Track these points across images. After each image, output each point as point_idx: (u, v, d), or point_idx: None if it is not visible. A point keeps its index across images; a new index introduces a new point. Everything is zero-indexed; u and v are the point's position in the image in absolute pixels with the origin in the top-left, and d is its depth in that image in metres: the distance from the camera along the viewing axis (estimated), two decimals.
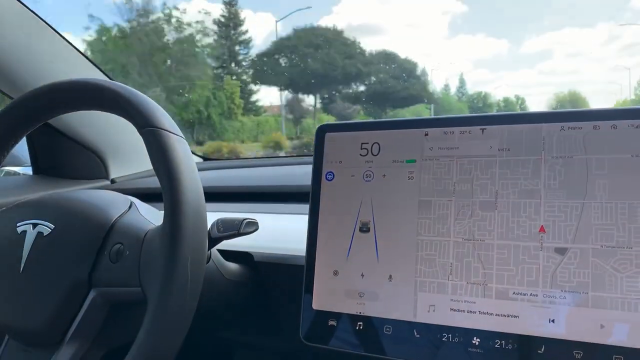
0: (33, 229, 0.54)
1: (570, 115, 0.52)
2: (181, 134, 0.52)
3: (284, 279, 0.71)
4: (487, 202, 0.54)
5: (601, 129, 0.50)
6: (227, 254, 0.70)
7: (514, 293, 0.51)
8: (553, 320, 0.49)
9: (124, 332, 0.57)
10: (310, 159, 0.64)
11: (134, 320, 0.53)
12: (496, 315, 0.51)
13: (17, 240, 0.54)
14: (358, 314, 0.57)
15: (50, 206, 0.55)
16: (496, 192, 0.53)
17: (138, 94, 0.52)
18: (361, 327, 0.57)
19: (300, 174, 0.94)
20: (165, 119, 0.51)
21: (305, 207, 0.64)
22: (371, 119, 0.64)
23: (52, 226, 0.53)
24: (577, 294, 0.49)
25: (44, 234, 0.53)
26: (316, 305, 0.60)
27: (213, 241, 0.57)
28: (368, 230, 0.59)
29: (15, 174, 1.10)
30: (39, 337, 0.52)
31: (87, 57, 0.93)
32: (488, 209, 0.53)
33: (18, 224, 0.55)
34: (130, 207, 0.56)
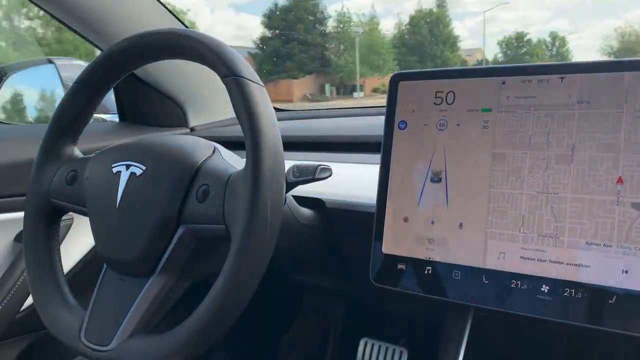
0: (127, 170, 0.58)
1: None
2: (261, 83, 0.54)
3: (354, 225, 0.73)
4: (563, 155, 0.53)
5: None
6: (301, 200, 0.73)
7: (586, 243, 0.51)
8: (626, 272, 0.49)
9: (207, 267, 0.62)
10: (382, 110, 0.65)
11: (217, 256, 0.58)
12: (567, 264, 0.51)
13: (112, 180, 0.58)
14: (427, 259, 0.59)
15: (142, 149, 0.59)
16: (573, 145, 0.52)
17: (221, 44, 0.54)
18: (430, 272, 0.59)
19: (372, 124, 0.95)
20: (246, 68, 0.53)
21: (376, 157, 0.65)
22: (447, 68, 0.63)
23: (144, 167, 0.57)
24: None
25: (137, 174, 0.57)
26: (386, 249, 0.62)
27: (289, 186, 0.60)
28: (439, 180, 0.59)
29: (103, 121, 1.18)
30: (133, 267, 0.57)
31: (168, 9, 0.96)
32: (564, 162, 0.53)
33: (113, 165, 0.59)
34: (214, 152, 0.59)
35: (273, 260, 0.52)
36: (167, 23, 0.97)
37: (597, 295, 0.50)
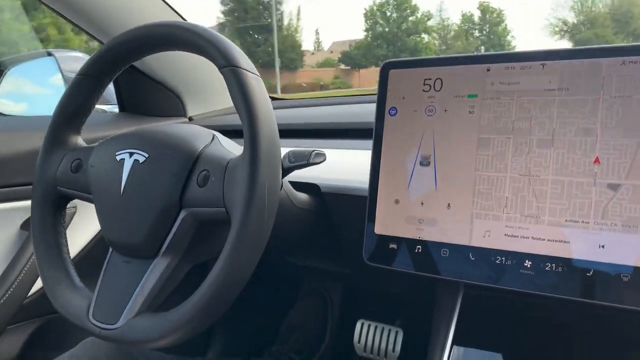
0: (130, 157, 0.61)
1: (631, 50, 0.52)
2: (257, 73, 0.56)
3: (348, 208, 0.76)
4: (544, 139, 0.56)
5: None
6: (297, 185, 0.76)
7: (566, 220, 0.54)
8: (603, 246, 0.52)
9: (209, 249, 0.64)
10: (373, 97, 0.67)
11: (218, 239, 0.61)
12: (548, 240, 0.55)
13: (117, 167, 0.61)
14: (417, 238, 0.62)
15: (144, 137, 0.62)
16: (553, 130, 0.55)
17: (219, 36, 0.57)
18: (420, 250, 0.62)
19: (363, 111, 0.97)
20: (243, 59, 0.56)
21: (368, 143, 0.68)
22: (434, 56, 0.66)
23: (147, 155, 0.60)
24: (627, 227, 0.51)
25: (140, 162, 0.60)
26: (378, 230, 0.65)
27: (285, 171, 0.63)
28: (428, 164, 0.62)
29: (103, 111, 1.20)
30: (137, 250, 0.60)
31: (167, 3, 0.99)
32: (545, 146, 0.56)
33: (117, 153, 0.62)
34: (213, 139, 0.62)
35: (271, 243, 0.55)
36: (166, 16, 0.99)
37: (576, 269, 0.53)
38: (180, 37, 0.59)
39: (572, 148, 0.54)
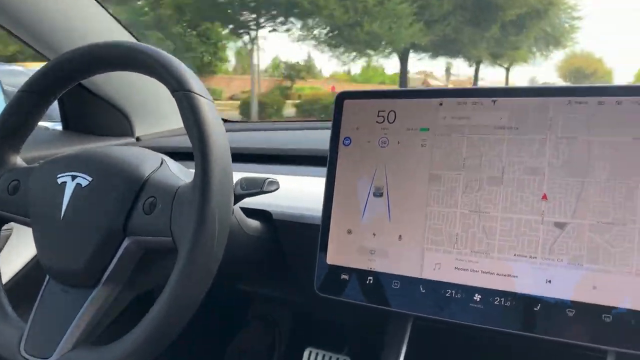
0: (72, 181, 0.58)
1: (576, 90, 0.54)
2: (210, 98, 0.55)
3: (300, 236, 0.75)
4: (494, 177, 0.57)
5: (606, 104, 0.53)
6: (248, 211, 0.75)
7: (514, 255, 0.55)
8: (549, 281, 0.53)
9: (153, 278, 0.62)
10: (329, 124, 0.68)
11: (163, 268, 0.59)
12: (497, 274, 0.55)
13: (57, 191, 0.58)
14: (369, 269, 0.62)
15: (88, 160, 0.59)
16: (503, 168, 0.57)
17: (172, 58, 0.55)
18: (371, 282, 0.62)
19: (319, 138, 0.97)
20: (196, 83, 0.54)
21: (323, 171, 0.68)
22: (389, 88, 0.67)
23: (90, 178, 0.57)
24: (572, 264, 0.53)
25: (83, 185, 0.57)
26: (330, 260, 0.64)
27: (237, 198, 0.62)
28: (381, 195, 0.62)
29: (46, 129, 1.15)
30: (76, 278, 0.57)
31: (118, 20, 0.96)
32: (494, 183, 0.57)
33: (58, 176, 0.59)
34: (161, 164, 0.60)
35: (220, 270, 0.53)
36: (117, 35, 0.97)
37: (524, 303, 0.54)
38: (131, 58, 0.57)
39: (520, 186, 0.56)
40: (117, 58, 0.58)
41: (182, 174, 0.60)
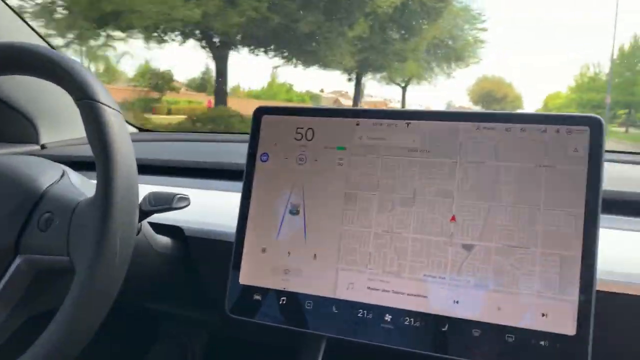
0: None
1: (485, 117, 0.57)
2: (117, 108, 0.52)
3: (213, 253, 0.73)
4: (406, 198, 0.58)
5: (512, 131, 0.56)
6: (158, 227, 0.71)
7: (424, 275, 0.56)
8: (457, 302, 0.54)
9: (46, 300, 0.57)
10: (247, 137, 0.66)
11: (58, 289, 0.54)
12: (407, 294, 0.56)
13: None
14: (282, 289, 0.60)
15: None
16: (414, 189, 0.58)
17: (77, 65, 0.52)
18: (285, 302, 0.60)
19: (236, 152, 0.95)
20: (102, 92, 0.51)
21: (239, 185, 0.66)
22: (308, 105, 0.66)
23: None
24: (479, 285, 0.54)
25: None
26: (243, 280, 0.62)
27: (144, 214, 0.58)
28: (298, 213, 0.61)
29: None
30: None
31: (28, 24, 0.89)
32: (407, 204, 0.58)
33: None
34: (62, 176, 0.56)
35: (126, 289, 0.50)
36: (24, 37, 0.90)
37: (433, 323, 0.55)
38: (29, 61, 0.53)
39: (431, 208, 0.57)
40: (13, 61, 0.54)
41: (85, 187, 0.56)
